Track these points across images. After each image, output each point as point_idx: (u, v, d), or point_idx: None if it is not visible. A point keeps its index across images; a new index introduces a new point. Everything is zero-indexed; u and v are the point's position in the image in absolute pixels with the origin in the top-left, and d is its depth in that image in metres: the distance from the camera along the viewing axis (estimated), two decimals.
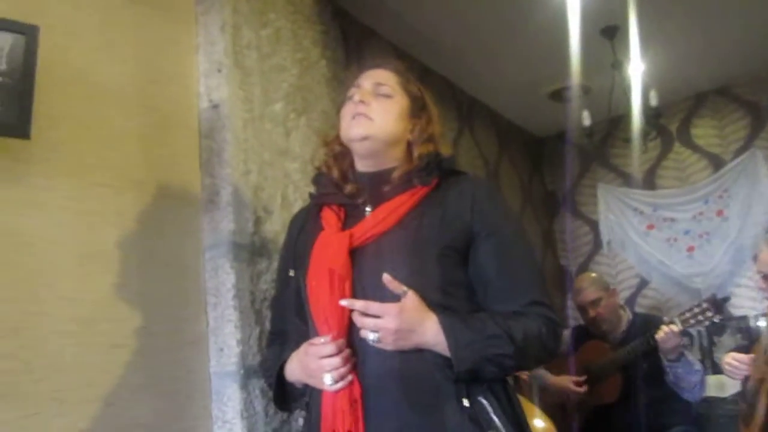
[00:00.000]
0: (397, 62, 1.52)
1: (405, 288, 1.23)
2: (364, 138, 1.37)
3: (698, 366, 2.75)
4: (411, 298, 1.23)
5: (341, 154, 1.47)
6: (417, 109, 1.44)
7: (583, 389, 2.88)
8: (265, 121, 1.98)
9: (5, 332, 1.37)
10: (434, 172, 1.37)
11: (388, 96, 1.41)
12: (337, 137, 1.48)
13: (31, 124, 1.40)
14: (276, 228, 1.92)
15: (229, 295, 1.77)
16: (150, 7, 1.85)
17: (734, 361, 2.37)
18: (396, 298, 1.23)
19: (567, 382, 2.93)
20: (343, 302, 1.25)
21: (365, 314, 1.23)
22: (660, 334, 2.59)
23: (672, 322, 2.62)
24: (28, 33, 1.39)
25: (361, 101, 1.39)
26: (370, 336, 1.22)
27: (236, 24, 1.95)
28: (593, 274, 3.24)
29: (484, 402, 1.22)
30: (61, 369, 1.46)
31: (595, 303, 2.97)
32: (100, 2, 1.72)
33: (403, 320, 1.20)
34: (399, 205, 1.33)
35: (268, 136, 1.98)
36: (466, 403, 1.21)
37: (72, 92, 1.60)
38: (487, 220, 1.33)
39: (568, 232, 4.89)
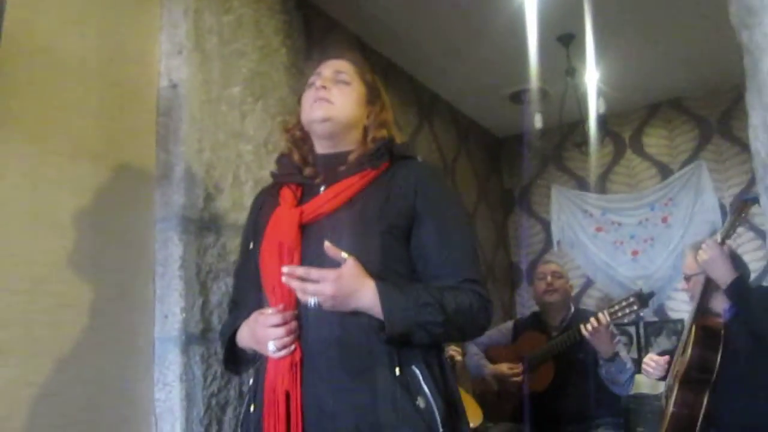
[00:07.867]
0: (354, 54, 1.64)
1: (345, 255, 1.32)
2: (325, 119, 1.47)
3: (630, 365, 2.88)
4: (350, 265, 1.31)
5: (301, 139, 1.57)
6: (372, 97, 1.56)
7: (518, 371, 3.05)
8: (221, 103, 2.08)
9: None
10: (385, 156, 1.48)
11: (346, 83, 1.52)
12: (297, 123, 1.58)
13: None
14: (226, 205, 2.02)
15: (176, 266, 1.87)
16: None
17: (651, 361, 2.55)
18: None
19: (503, 368, 3.10)
20: (285, 269, 1.32)
21: (306, 280, 1.31)
22: (587, 328, 2.73)
23: (598, 315, 2.76)
24: None
25: (323, 86, 1.50)
26: (310, 301, 1.32)
27: (198, 9, 2.04)
28: None
29: (416, 370, 1.31)
30: (8, 323, 1.55)
31: (555, 275, 3.16)
32: None
33: (340, 285, 1.29)
34: (349, 185, 1.43)
35: (224, 118, 2.08)
36: (398, 370, 1.30)
37: (35, 63, 1.68)
38: (428, 201, 1.44)
39: (522, 230, 5.06)
